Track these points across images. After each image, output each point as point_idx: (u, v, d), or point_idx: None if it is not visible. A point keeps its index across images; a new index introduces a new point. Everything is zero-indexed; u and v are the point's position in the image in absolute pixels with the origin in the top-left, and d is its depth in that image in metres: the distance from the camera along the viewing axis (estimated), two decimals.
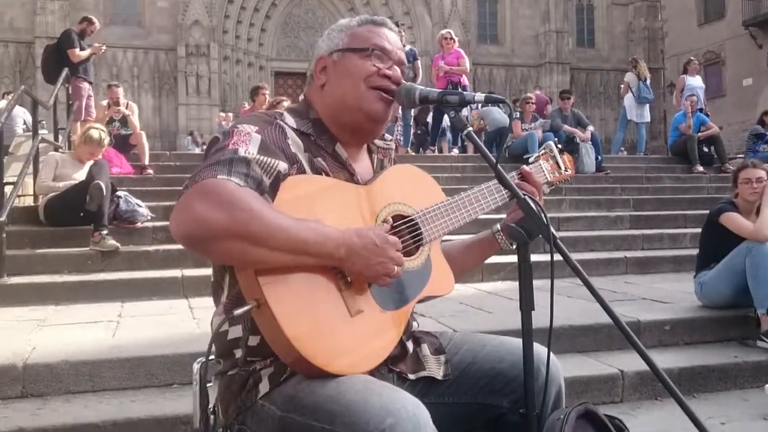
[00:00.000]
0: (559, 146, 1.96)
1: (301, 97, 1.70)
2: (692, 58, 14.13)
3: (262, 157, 1.39)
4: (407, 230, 1.57)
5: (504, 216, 1.80)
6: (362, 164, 1.67)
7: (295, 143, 1.50)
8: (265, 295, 1.30)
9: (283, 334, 1.30)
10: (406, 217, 1.58)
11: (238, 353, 1.46)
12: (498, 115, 11.00)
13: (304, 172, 1.48)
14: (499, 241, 1.80)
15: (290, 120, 1.55)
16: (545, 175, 1.87)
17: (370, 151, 1.74)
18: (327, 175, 1.52)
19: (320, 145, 1.56)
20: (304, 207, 1.38)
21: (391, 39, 1.66)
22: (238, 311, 1.31)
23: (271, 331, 1.32)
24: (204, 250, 1.32)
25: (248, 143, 1.40)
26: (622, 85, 13.05)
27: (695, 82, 12.32)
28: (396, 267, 1.41)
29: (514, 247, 1.77)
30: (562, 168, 1.93)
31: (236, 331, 1.46)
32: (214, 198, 1.27)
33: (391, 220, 1.54)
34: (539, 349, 1.54)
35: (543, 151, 1.93)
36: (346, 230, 1.37)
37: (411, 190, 1.65)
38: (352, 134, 1.64)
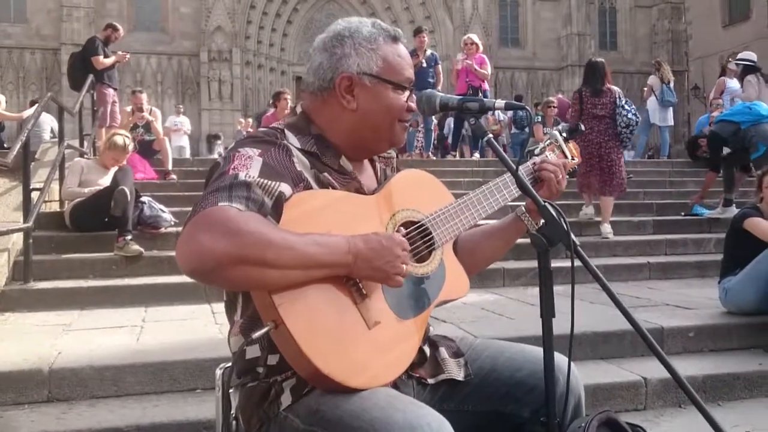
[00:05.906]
0: (564, 134, 1.94)
1: (299, 108, 1.63)
2: (731, 59, 13.65)
3: (263, 180, 1.36)
4: (419, 236, 1.56)
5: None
6: (366, 174, 1.66)
7: (300, 162, 1.48)
8: (282, 315, 1.29)
9: (302, 352, 1.29)
10: (416, 222, 1.57)
11: (260, 370, 1.46)
12: None
13: (311, 188, 1.46)
14: (525, 222, 1.72)
15: (293, 139, 1.52)
16: None
17: (371, 160, 1.72)
18: (334, 188, 1.50)
19: (326, 163, 1.54)
20: (313, 222, 1.37)
21: (410, 61, 1.64)
22: (257, 334, 1.30)
23: (290, 350, 1.32)
24: (215, 281, 1.28)
25: (249, 167, 1.37)
26: (645, 89, 12.80)
27: (735, 84, 11.40)
28: (404, 265, 1.40)
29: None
30: (569, 157, 1.91)
31: (254, 351, 1.45)
32: (217, 227, 1.24)
33: (402, 229, 1.53)
34: (559, 358, 1.54)
35: (548, 142, 1.91)
36: (351, 237, 1.37)
37: (419, 194, 1.63)
38: (362, 152, 1.64)
